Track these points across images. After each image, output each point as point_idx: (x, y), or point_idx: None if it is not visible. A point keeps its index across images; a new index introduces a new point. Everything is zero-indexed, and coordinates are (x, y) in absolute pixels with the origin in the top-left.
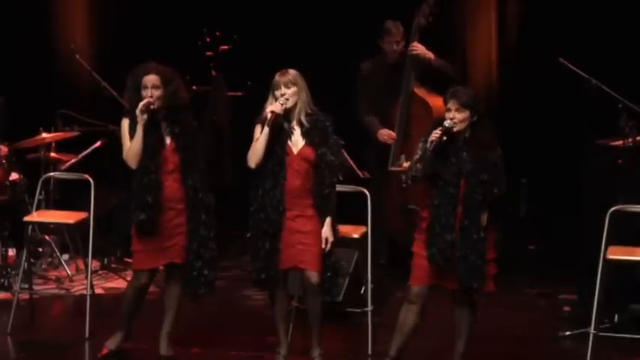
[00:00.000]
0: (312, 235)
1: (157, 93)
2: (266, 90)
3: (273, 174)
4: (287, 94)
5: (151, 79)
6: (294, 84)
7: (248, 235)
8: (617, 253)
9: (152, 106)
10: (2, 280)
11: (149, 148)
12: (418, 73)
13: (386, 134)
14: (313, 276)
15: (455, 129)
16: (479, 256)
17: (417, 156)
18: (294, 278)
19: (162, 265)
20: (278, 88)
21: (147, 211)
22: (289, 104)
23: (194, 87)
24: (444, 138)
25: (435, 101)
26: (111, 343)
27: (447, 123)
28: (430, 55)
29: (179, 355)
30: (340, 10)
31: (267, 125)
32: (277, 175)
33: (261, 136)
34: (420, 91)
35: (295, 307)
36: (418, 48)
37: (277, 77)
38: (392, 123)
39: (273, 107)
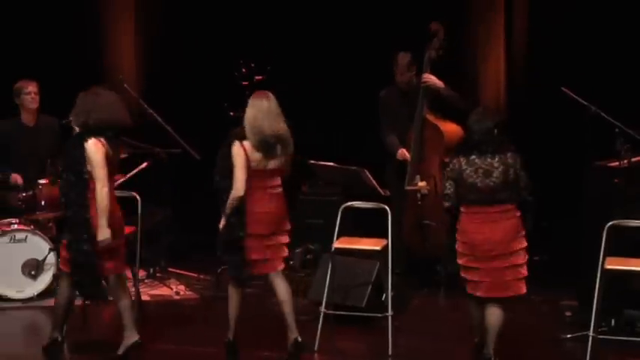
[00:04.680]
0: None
1: None
2: (291, 114)
3: None
4: None
5: None
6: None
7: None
8: (614, 264)
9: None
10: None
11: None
12: (430, 101)
13: (402, 154)
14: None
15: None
16: None
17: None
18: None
19: None
20: None
21: None
22: None
23: (231, 113)
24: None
25: (446, 126)
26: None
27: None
28: (440, 84)
29: (216, 354)
30: (361, 40)
31: None
32: None
33: None
34: (432, 117)
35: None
36: (430, 79)
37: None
38: (408, 144)
39: None
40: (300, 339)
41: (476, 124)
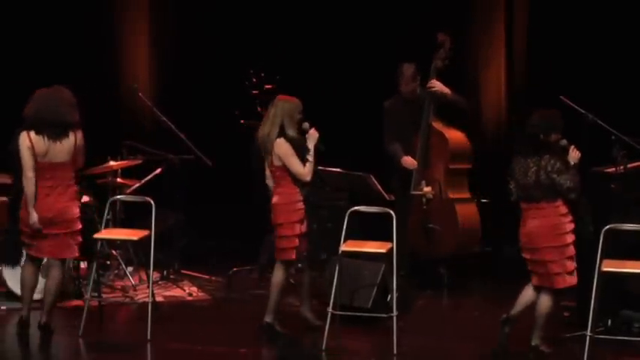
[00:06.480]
0: None
1: None
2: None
3: None
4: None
5: None
6: None
7: None
8: (611, 266)
9: None
10: (75, 289)
11: None
12: (436, 108)
13: (409, 161)
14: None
15: None
16: None
17: None
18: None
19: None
20: None
21: None
22: None
23: (242, 121)
24: None
25: (451, 133)
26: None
27: None
28: (447, 90)
29: (227, 354)
30: (367, 49)
31: None
32: None
33: None
34: (438, 125)
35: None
36: (436, 85)
37: None
38: (414, 151)
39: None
40: None
41: (524, 127)
